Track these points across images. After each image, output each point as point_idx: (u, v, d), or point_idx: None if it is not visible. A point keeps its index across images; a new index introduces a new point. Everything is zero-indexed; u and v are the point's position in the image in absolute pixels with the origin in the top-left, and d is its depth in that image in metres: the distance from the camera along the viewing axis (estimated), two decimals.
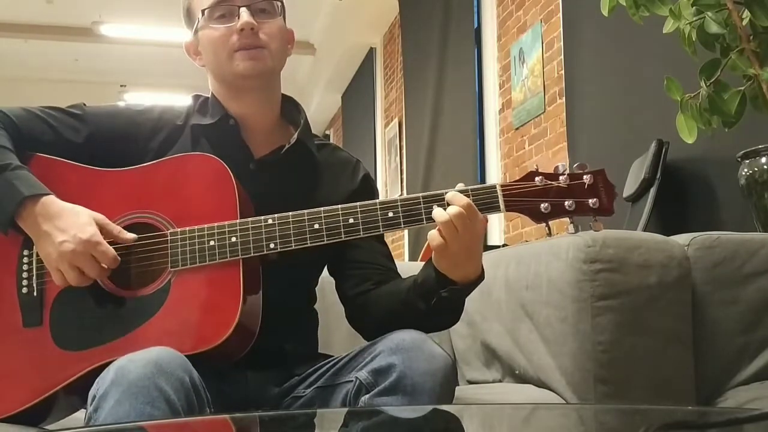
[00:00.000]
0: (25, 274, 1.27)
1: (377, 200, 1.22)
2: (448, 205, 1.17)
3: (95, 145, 1.32)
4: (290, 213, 1.22)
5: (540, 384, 1.52)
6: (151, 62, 8.68)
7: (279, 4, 1.39)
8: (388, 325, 1.27)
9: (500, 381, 1.71)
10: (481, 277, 1.24)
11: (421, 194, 1.21)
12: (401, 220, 1.20)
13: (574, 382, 1.41)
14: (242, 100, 1.37)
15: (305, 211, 1.22)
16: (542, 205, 1.19)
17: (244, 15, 1.31)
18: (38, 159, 1.30)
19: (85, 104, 1.38)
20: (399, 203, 1.20)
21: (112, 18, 7.56)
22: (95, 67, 8.94)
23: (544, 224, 1.21)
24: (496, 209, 1.21)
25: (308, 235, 1.21)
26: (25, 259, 1.27)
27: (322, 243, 1.21)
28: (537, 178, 1.20)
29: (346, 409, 1.16)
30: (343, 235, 1.21)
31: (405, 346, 1.15)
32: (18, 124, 1.30)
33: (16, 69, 8.80)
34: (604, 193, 1.21)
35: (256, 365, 1.28)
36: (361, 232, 1.20)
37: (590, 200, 1.20)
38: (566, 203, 1.20)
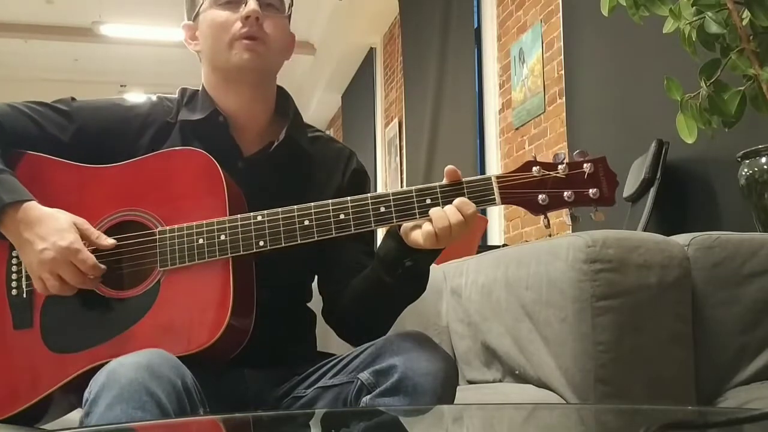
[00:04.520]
0: (14, 276, 1.25)
1: (368, 195, 1.18)
2: (446, 202, 1.15)
3: (82, 143, 1.29)
4: (279, 209, 1.18)
5: (540, 384, 1.52)
6: (151, 62, 8.68)
7: (288, 2, 1.35)
8: (357, 308, 1.27)
9: (500, 381, 1.70)
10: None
11: (413, 188, 1.17)
12: (393, 215, 1.16)
13: (574, 382, 1.41)
14: (235, 93, 1.33)
15: (295, 207, 1.18)
16: (540, 196, 1.15)
17: (252, 3, 1.28)
18: (27, 157, 1.27)
19: (73, 98, 1.34)
20: (391, 198, 1.17)
21: (112, 18, 7.56)
22: (95, 67, 8.95)
23: (542, 216, 1.17)
24: (492, 202, 1.17)
25: (298, 232, 1.17)
26: (14, 260, 1.25)
27: (312, 240, 1.17)
28: (534, 168, 1.15)
29: (347, 410, 1.16)
30: (333, 232, 1.17)
31: (406, 347, 1.14)
32: (2, 122, 1.27)
33: (16, 69, 8.80)
34: (605, 182, 1.15)
35: (255, 364, 1.28)
36: (352, 228, 1.16)
37: (590, 190, 1.14)
38: (565, 194, 1.15)
